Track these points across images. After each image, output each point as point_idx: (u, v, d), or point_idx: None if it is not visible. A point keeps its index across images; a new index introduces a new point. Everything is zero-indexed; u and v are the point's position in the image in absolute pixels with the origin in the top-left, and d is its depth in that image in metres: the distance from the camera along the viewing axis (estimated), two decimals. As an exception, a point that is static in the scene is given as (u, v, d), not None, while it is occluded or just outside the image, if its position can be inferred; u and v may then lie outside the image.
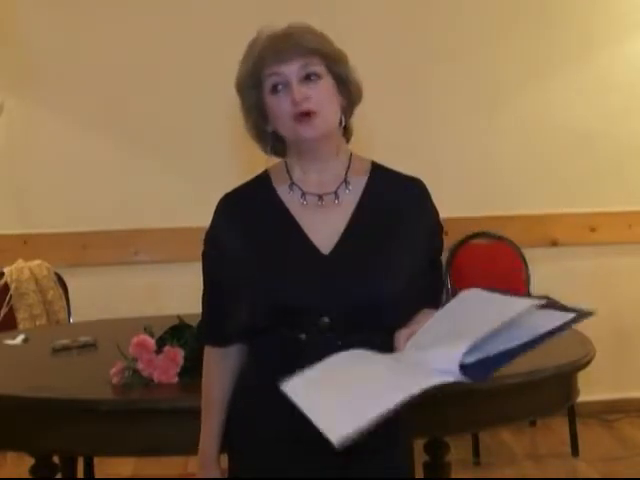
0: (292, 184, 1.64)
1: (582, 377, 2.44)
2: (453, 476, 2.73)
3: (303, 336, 1.54)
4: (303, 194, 1.62)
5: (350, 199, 1.63)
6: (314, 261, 1.56)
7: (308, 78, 1.56)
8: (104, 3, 3.87)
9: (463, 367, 1.28)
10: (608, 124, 4.11)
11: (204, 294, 1.70)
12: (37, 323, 3.56)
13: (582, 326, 2.86)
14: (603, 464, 3.62)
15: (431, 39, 4.01)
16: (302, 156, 1.63)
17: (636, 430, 4.00)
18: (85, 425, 2.16)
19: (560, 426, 3.87)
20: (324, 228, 1.59)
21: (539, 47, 4.06)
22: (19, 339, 2.76)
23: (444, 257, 4.33)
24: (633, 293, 4.19)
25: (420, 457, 2.71)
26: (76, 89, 3.87)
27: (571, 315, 1.30)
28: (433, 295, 1.66)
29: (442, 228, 1.70)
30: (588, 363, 2.38)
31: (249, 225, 1.62)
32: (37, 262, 3.65)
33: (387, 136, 3.98)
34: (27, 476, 2.60)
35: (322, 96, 1.57)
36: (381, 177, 1.69)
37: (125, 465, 3.56)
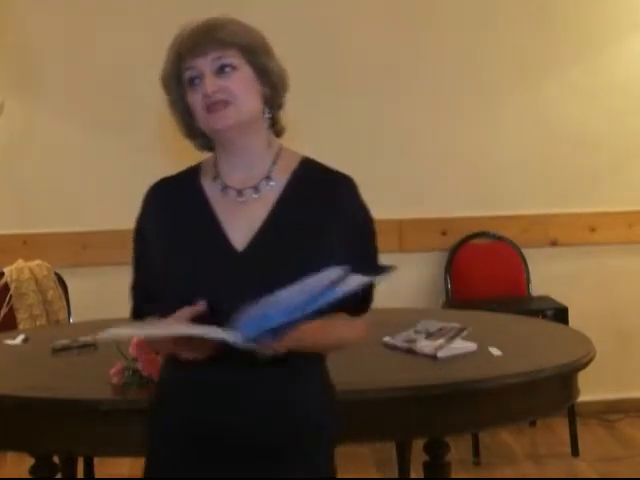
0: (216, 177, 1.64)
1: (582, 377, 2.44)
2: (453, 476, 2.73)
3: None
4: (224, 187, 1.62)
5: (271, 194, 1.60)
6: (226, 258, 1.55)
7: (222, 70, 1.56)
8: (104, 3, 3.87)
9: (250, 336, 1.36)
10: (608, 124, 4.11)
11: (132, 280, 1.72)
12: (37, 323, 3.56)
13: (582, 326, 2.88)
14: (603, 464, 3.62)
15: (431, 39, 4.01)
16: (226, 149, 1.63)
17: (636, 430, 4.00)
18: (85, 425, 2.16)
19: (560, 426, 3.87)
20: (242, 223, 1.58)
21: (538, 47, 4.05)
22: (19, 339, 2.76)
23: (444, 257, 4.36)
24: (633, 293, 4.19)
25: (420, 457, 2.71)
26: (76, 89, 3.87)
27: (366, 279, 1.38)
28: (353, 302, 1.55)
29: (374, 231, 1.65)
30: (588, 363, 2.38)
31: (170, 218, 1.62)
32: (37, 262, 3.65)
33: (386, 136, 3.99)
34: (27, 476, 2.60)
35: (237, 87, 1.55)
36: (308, 173, 1.64)
37: (125, 465, 3.56)
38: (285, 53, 3.99)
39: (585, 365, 2.38)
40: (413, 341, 2.45)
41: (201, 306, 1.48)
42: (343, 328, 1.62)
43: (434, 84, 4.03)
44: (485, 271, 4.05)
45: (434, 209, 4.05)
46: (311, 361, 1.60)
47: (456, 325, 2.52)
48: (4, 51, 3.83)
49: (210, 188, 1.63)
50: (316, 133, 3.97)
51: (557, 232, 4.13)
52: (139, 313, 1.68)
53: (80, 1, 3.86)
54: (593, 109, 4.10)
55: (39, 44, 3.83)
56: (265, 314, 1.36)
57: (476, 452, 3.70)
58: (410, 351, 2.42)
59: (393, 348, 2.47)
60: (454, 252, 4.05)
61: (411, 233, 4.05)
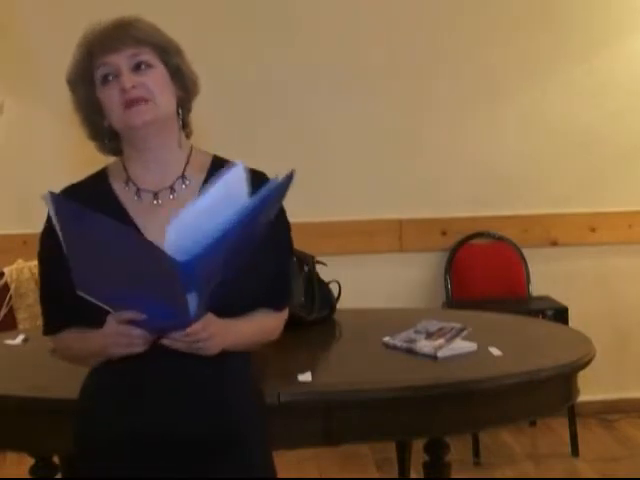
0: (128, 180, 1.62)
1: (582, 377, 2.44)
2: (453, 476, 2.72)
3: None
4: (138, 190, 1.60)
5: (187, 195, 1.57)
6: None
7: (139, 67, 1.55)
8: (104, 3, 3.86)
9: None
10: (608, 124, 4.11)
11: (43, 290, 1.65)
12: (37, 323, 3.56)
13: (582, 326, 2.88)
14: (603, 464, 3.62)
15: (432, 39, 4.01)
16: (137, 148, 1.60)
17: (636, 430, 4.00)
18: (85, 425, 2.16)
19: (560, 426, 3.87)
20: (160, 226, 1.51)
21: (539, 47, 4.05)
22: (19, 339, 2.75)
23: (444, 257, 4.36)
24: (633, 293, 4.19)
25: (420, 457, 2.71)
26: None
27: (274, 183, 1.37)
28: (274, 296, 1.60)
29: (288, 225, 1.65)
30: (588, 363, 2.38)
31: None
32: (37, 262, 3.65)
33: (386, 137, 3.99)
34: (27, 476, 2.60)
35: (154, 84, 1.55)
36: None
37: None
38: (296, 52, 3.97)
39: (585, 365, 2.37)
40: (413, 341, 2.45)
41: (137, 315, 1.43)
42: (263, 323, 1.61)
43: (434, 84, 4.03)
44: (485, 271, 4.05)
45: (434, 209, 4.05)
46: (241, 361, 1.61)
47: (456, 325, 2.52)
48: (4, 51, 3.83)
49: (123, 193, 1.61)
50: (316, 133, 3.97)
51: (557, 232, 4.13)
52: (55, 324, 1.63)
53: (80, 1, 3.86)
54: (593, 109, 4.10)
55: (39, 44, 3.83)
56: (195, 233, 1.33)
57: (476, 452, 3.70)
58: (410, 351, 2.41)
59: (393, 348, 2.46)
60: (454, 252, 4.05)
61: (411, 233, 4.05)
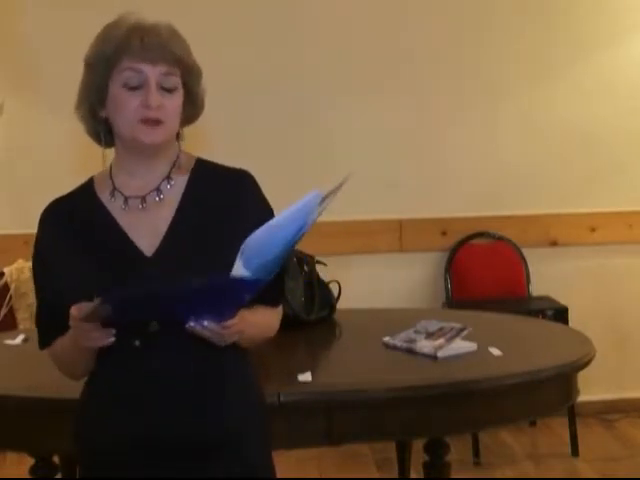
0: (114, 190, 1.62)
1: (582, 377, 2.44)
2: (453, 476, 2.73)
3: (137, 342, 1.51)
4: (125, 200, 1.60)
5: (173, 197, 1.60)
6: (137, 264, 1.55)
7: (166, 87, 1.55)
8: (104, 3, 3.86)
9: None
10: (608, 124, 4.11)
11: (38, 311, 1.67)
12: (37, 323, 3.56)
13: (582, 326, 2.89)
14: (603, 464, 3.62)
15: (431, 38, 4.01)
16: (131, 155, 1.61)
17: (636, 430, 4.00)
18: (85, 425, 2.16)
19: (560, 426, 3.87)
20: (147, 230, 1.57)
21: (539, 48, 4.06)
22: (19, 339, 2.75)
23: (444, 257, 4.35)
24: (633, 293, 4.19)
25: (420, 457, 2.71)
26: (76, 89, 3.86)
27: (333, 190, 1.40)
28: (270, 293, 1.56)
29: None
30: (588, 363, 2.38)
31: (74, 235, 1.59)
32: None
33: (386, 136, 3.99)
34: (27, 476, 2.60)
35: (172, 108, 1.56)
36: (205, 172, 1.65)
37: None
38: (297, 51, 3.99)
39: (585, 365, 2.38)
40: (413, 341, 2.45)
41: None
42: (265, 318, 1.63)
43: (434, 84, 4.03)
44: (485, 271, 4.05)
45: (434, 209, 4.05)
46: (240, 362, 1.62)
47: (456, 325, 2.52)
48: (4, 51, 3.83)
49: (110, 204, 1.61)
50: (316, 133, 3.98)
51: (557, 232, 4.13)
52: (47, 337, 1.64)
53: (80, 1, 3.86)
54: (593, 109, 4.10)
55: (39, 44, 3.83)
56: (265, 245, 1.37)
57: (476, 452, 3.70)
58: (410, 351, 2.42)
59: (393, 348, 2.47)
60: (454, 252, 4.05)
61: (411, 233, 4.05)
